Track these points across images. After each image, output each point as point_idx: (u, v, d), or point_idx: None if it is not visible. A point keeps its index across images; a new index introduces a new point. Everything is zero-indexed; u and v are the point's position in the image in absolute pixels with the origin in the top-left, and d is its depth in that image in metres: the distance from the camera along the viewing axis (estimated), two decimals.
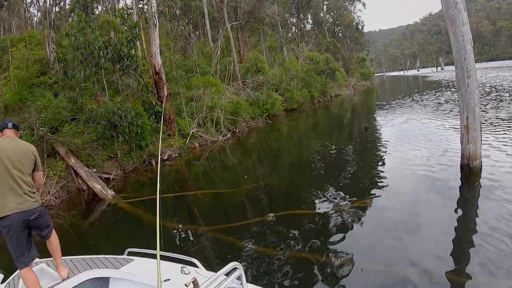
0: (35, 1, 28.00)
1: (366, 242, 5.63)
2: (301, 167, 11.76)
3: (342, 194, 7.85)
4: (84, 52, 12.30)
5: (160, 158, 14.42)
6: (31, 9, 29.38)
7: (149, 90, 15.02)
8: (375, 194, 7.65)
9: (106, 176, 12.36)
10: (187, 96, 19.80)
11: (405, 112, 19.98)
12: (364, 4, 66.28)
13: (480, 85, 31.60)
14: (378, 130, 15.82)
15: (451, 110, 18.22)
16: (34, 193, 3.66)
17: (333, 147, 14.35)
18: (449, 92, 28.83)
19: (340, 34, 64.40)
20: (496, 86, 28.19)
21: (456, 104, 19.46)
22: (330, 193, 7.99)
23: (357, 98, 41.85)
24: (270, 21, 38.63)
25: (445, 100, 22.48)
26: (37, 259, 4.01)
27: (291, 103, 29.08)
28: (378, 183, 8.37)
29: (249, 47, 34.21)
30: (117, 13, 14.68)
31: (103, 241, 7.61)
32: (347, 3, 64.47)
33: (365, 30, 66.34)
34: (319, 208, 7.29)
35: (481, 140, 8.06)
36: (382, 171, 9.37)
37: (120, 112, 12.50)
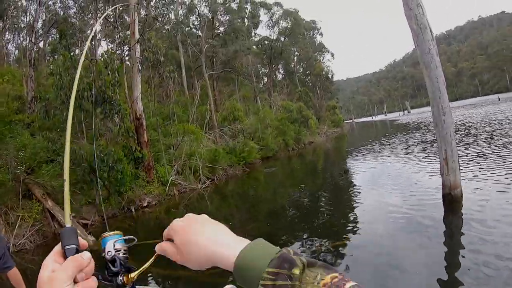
0: (14, 39, 27.55)
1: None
2: (277, 214, 11.46)
3: (318, 238, 7.80)
4: (68, 93, 12.05)
5: (140, 205, 14.27)
6: (9, 46, 28.88)
7: (129, 135, 14.74)
8: (359, 234, 7.64)
9: (83, 221, 11.81)
10: (165, 143, 19.58)
11: (376, 156, 20.21)
12: (332, 55, 68.67)
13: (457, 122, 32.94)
14: (353, 175, 15.81)
15: (422, 151, 18.60)
16: None
17: (308, 193, 14.21)
18: (417, 134, 29.53)
19: (310, 83, 66.01)
20: (465, 123, 29.63)
21: (425, 144, 20.74)
22: (306, 239, 7.92)
23: (329, 144, 42.27)
24: (244, 71, 39.46)
25: (415, 142, 22.91)
26: None
27: (266, 151, 29.08)
28: (359, 225, 8.29)
29: (225, 96, 34.62)
30: (100, 56, 14.57)
31: None
32: (316, 53, 66.56)
33: (334, 79, 68.20)
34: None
35: (460, 170, 8.56)
36: (361, 213, 9.29)
37: (102, 155, 12.13)
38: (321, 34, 64.43)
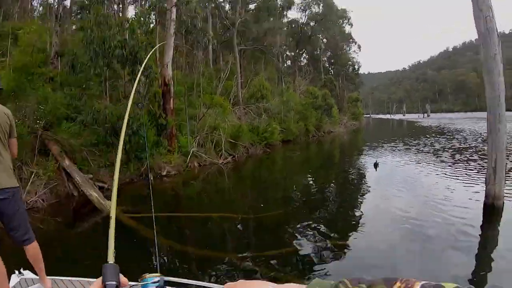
0: None
1: None
2: (288, 201, 11.01)
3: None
4: (98, 49, 11.27)
5: (159, 173, 13.59)
6: (34, 2, 28.16)
7: (156, 100, 13.99)
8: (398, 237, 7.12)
9: (100, 184, 11.12)
10: (189, 113, 18.88)
11: (401, 156, 19.35)
12: (359, 47, 66.64)
13: (477, 133, 31.92)
14: (381, 172, 14.96)
15: (450, 157, 17.84)
16: (11, 168, 3.03)
17: (331, 184, 14.00)
18: (442, 139, 28.40)
19: (333, 73, 64.63)
20: None
21: (452, 151, 20.06)
22: (314, 233, 7.47)
23: (348, 136, 41.79)
24: (273, 51, 38.53)
25: (441, 147, 21.95)
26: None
27: (287, 134, 28.37)
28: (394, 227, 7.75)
29: (250, 74, 33.55)
30: (135, 16, 13.69)
31: (96, 257, 6.42)
32: (343, 43, 65.03)
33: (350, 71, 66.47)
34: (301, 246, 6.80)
35: (505, 182, 8.52)
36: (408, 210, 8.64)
37: (128, 118, 11.41)
38: (350, 24, 62.39)
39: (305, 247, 6.64)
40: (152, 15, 13.56)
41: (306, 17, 51.58)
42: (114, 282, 0.85)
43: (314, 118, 35.43)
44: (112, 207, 1.10)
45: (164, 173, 14.00)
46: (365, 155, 21.39)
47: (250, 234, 8.01)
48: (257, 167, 19.13)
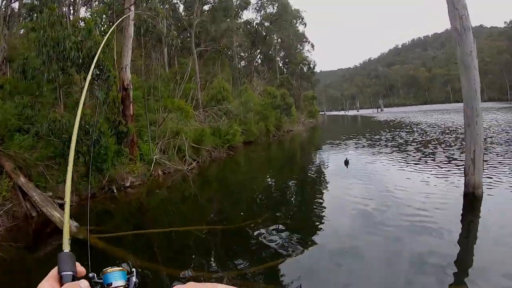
0: None
1: None
2: (254, 202, 11.28)
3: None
4: (51, 52, 10.25)
5: (122, 185, 12.76)
6: None
7: (115, 106, 13.06)
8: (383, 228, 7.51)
9: (60, 202, 10.18)
10: (149, 119, 17.98)
11: (368, 152, 19.41)
12: (312, 46, 67.24)
13: (435, 125, 32.85)
14: (354, 169, 14.83)
15: (416, 151, 18.01)
16: None
17: (295, 182, 14.26)
18: (403, 133, 28.84)
19: (285, 72, 64.84)
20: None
21: (417, 145, 20.34)
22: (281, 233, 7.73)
23: (307, 134, 42.06)
24: (230, 52, 38.07)
25: (404, 142, 22.23)
26: None
27: (248, 135, 27.97)
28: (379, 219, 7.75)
29: (210, 76, 32.77)
30: (90, 15, 12.70)
31: None
32: (297, 43, 65.39)
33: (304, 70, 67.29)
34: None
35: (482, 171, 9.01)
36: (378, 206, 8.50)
37: (87, 127, 10.47)
38: (304, 24, 62.88)
39: (279, 256, 6.49)
40: (109, 14, 12.55)
41: (261, 17, 51.28)
42: (70, 272, 0.79)
43: (274, 117, 35.24)
44: (66, 191, 1.06)
45: (128, 184, 13.18)
46: (331, 152, 21.31)
47: (218, 246, 7.66)
48: (222, 170, 18.72)
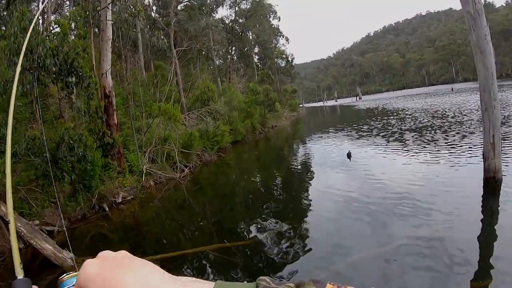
0: None
1: None
2: (251, 202, 11.45)
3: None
4: (24, 60, 9.05)
5: (114, 201, 11.67)
6: None
7: (98, 116, 11.89)
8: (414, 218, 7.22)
9: (48, 228, 9.11)
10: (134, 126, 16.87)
11: (364, 142, 18.80)
12: (287, 39, 67.28)
13: (422, 110, 32.39)
14: (358, 161, 14.22)
15: (415, 139, 17.30)
16: None
17: (296, 181, 13.71)
18: (393, 121, 28.02)
19: (261, 67, 64.32)
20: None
21: (413, 133, 19.60)
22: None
23: (292, 128, 41.43)
24: (207, 52, 37.15)
25: (398, 130, 21.42)
26: None
27: (235, 135, 27.04)
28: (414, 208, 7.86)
29: (192, 77, 31.58)
30: (64, 18, 11.48)
31: None
32: (273, 37, 64.79)
33: (282, 64, 66.92)
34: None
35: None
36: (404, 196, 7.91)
37: (71, 142, 9.34)
38: (278, 18, 62.50)
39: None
40: (83, 16, 11.35)
41: (236, 13, 50.39)
42: None
43: (258, 114, 34.39)
44: (8, 208, 1.02)
45: (120, 200, 12.08)
46: (325, 146, 20.56)
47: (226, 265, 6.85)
48: (215, 174, 17.66)
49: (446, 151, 13.14)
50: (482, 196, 8.22)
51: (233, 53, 54.71)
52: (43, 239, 7.50)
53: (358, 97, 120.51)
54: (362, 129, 25.22)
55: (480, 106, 9.14)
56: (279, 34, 66.40)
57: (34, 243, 7.32)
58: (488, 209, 7.49)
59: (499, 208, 7.40)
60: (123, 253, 0.66)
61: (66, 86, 10.57)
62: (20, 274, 0.79)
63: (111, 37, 13.05)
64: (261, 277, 0.56)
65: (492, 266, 5.19)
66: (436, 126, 20.41)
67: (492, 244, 5.98)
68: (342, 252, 6.40)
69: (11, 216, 0.92)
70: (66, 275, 0.76)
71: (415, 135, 18.36)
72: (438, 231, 6.54)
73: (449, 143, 14.53)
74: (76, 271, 0.72)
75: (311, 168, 15.04)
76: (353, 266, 5.86)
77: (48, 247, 7.22)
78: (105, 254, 0.64)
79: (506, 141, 12.75)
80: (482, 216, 7.11)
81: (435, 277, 5.06)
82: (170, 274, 0.61)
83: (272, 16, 60.51)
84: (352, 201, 9.19)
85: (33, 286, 0.75)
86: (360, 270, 5.75)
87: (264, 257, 6.79)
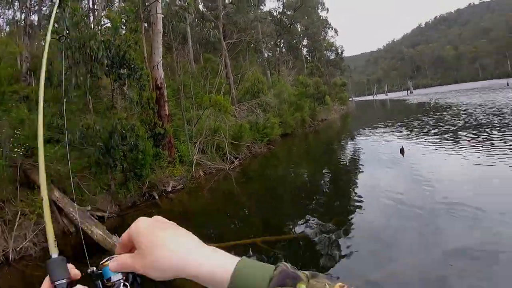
0: (5, 13, 24.41)
1: None
2: (300, 197, 11.16)
3: None
4: (77, 54, 9.30)
5: (164, 190, 11.81)
6: None
7: (150, 107, 12.08)
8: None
9: (99, 214, 9.33)
10: (182, 118, 17.09)
11: (418, 138, 17.94)
12: (336, 31, 65.61)
13: (477, 106, 30.46)
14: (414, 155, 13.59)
15: (473, 135, 16.10)
16: None
17: (347, 175, 13.40)
18: (447, 117, 26.28)
19: (310, 59, 63.44)
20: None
21: (470, 129, 18.28)
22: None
23: (341, 122, 40.92)
24: (256, 45, 37.10)
25: (458, 127, 20.01)
26: None
27: (285, 127, 26.77)
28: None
29: (242, 69, 31.71)
30: (116, 11, 11.76)
31: None
32: (321, 29, 63.69)
33: (332, 57, 65.64)
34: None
35: None
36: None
37: (123, 132, 9.52)
38: (326, 10, 61.29)
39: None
40: (134, 10, 11.56)
41: (284, 5, 49.88)
42: (64, 280, 0.71)
43: (308, 107, 33.78)
44: (42, 186, 0.90)
45: (169, 189, 12.24)
46: (376, 141, 19.91)
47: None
48: (264, 167, 17.61)
49: (504, 151, 12.09)
50: None
51: (281, 45, 54.26)
52: (93, 224, 7.67)
53: (409, 91, 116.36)
54: (414, 125, 23.95)
55: None
56: (328, 26, 65.02)
57: (85, 228, 7.49)
58: None
59: None
60: (173, 222, 0.71)
61: (119, 78, 10.76)
62: (54, 252, 0.77)
63: (162, 30, 13.18)
64: (281, 262, 0.61)
65: None
66: (493, 123, 19.01)
67: None
68: (385, 257, 6.10)
69: (44, 193, 0.85)
70: (108, 260, 0.74)
71: (470, 132, 17.07)
72: (494, 240, 6.00)
73: (506, 142, 13.43)
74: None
75: (360, 164, 14.55)
76: (394, 273, 5.58)
77: (97, 231, 7.36)
78: (158, 217, 0.70)
79: None
80: None
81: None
82: (204, 244, 0.67)
83: (320, 7, 59.69)
84: (400, 202, 8.65)
85: (68, 264, 0.74)
86: (400, 278, 5.47)
87: (308, 252, 6.73)
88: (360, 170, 13.40)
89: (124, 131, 9.62)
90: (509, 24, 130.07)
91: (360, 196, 9.66)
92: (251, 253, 6.88)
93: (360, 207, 8.83)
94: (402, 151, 14.10)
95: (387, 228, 7.32)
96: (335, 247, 6.69)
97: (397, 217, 7.80)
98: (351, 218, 8.07)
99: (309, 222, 8.15)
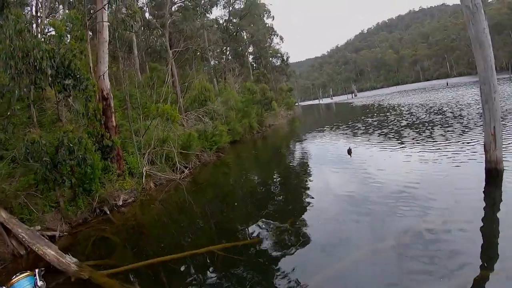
0: None
1: None
2: (250, 202, 11.42)
3: None
4: (20, 64, 8.85)
5: (115, 204, 11.53)
6: None
7: (96, 119, 11.75)
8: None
9: (49, 233, 8.96)
10: (129, 129, 16.72)
11: (363, 138, 18.69)
12: (281, 38, 67.08)
13: (419, 105, 32.31)
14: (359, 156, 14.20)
15: (416, 133, 17.11)
16: None
17: (299, 178, 13.64)
18: (392, 117, 27.77)
19: (256, 66, 64.29)
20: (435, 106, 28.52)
21: (412, 127, 19.47)
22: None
23: (289, 127, 41.48)
24: (203, 53, 37.08)
25: (401, 126, 21.18)
26: None
27: (233, 134, 26.89)
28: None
29: (188, 77, 31.48)
30: (60, 19, 11.31)
31: None
32: (267, 37, 64.73)
33: (277, 63, 67.03)
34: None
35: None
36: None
37: (70, 145, 9.19)
38: (272, 17, 62.56)
39: None
40: (79, 18, 11.16)
41: (229, 13, 50.26)
42: None
43: (255, 113, 34.18)
44: None
45: (121, 203, 11.96)
46: (324, 143, 20.51)
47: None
48: (214, 175, 17.57)
49: (446, 146, 13.04)
50: (484, 187, 8.39)
51: (228, 53, 54.58)
52: (45, 244, 7.36)
53: (353, 94, 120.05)
54: (359, 126, 24.95)
55: (479, 99, 9.33)
56: (273, 33, 66.26)
57: (37, 249, 7.18)
58: (491, 199, 7.73)
59: (502, 197, 7.64)
60: None
61: (64, 89, 10.38)
62: None
63: (108, 38, 12.88)
64: None
65: (496, 253, 5.45)
66: (434, 121, 20.27)
67: (496, 232, 6.19)
68: (341, 251, 6.41)
69: None
70: (18, 276, 0.73)
71: (413, 131, 18.16)
72: (443, 223, 6.70)
73: (448, 138, 14.43)
74: (28, 272, 0.72)
75: (309, 166, 14.99)
76: (352, 263, 5.93)
77: (51, 252, 7.08)
78: None
79: (504, 135, 12.74)
80: (485, 206, 7.31)
81: (440, 269, 5.20)
82: None
83: (266, 15, 60.41)
84: (351, 199, 9.12)
85: None
86: (359, 268, 5.79)
87: (265, 256, 6.79)
88: (310, 172, 13.78)
89: (71, 145, 9.28)
90: (448, 29, 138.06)
91: (312, 197, 10.03)
92: (209, 262, 6.93)
93: (312, 206, 9.23)
94: (349, 151, 14.68)
95: (340, 225, 7.62)
96: (291, 247, 6.86)
97: (348, 214, 8.15)
98: (305, 219, 8.36)
99: (264, 226, 8.32)
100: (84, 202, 10.78)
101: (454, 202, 7.66)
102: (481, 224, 6.51)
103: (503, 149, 9.55)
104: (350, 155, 14.48)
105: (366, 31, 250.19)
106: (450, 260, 5.37)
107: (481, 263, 5.27)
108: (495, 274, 4.92)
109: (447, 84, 70.00)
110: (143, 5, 32.83)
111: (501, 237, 5.95)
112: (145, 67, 32.24)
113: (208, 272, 6.58)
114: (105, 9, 12.41)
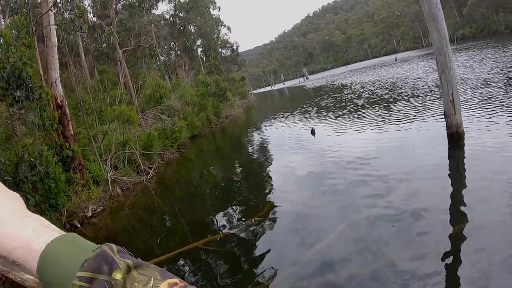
0: None
1: None
2: (218, 194, 11.61)
3: None
4: None
5: (84, 215, 11.10)
6: None
7: (53, 129, 11.17)
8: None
9: None
10: (86, 136, 16.12)
11: (324, 119, 19.03)
12: (229, 28, 67.10)
13: (371, 82, 33.19)
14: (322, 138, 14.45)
15: (372, 108, 17.31)
16: None
17: (266, 164, 13.84)
18: (347, 95, 28.61)
19: (204, 59, 63.83)
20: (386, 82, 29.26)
21: (369, 103, 20.24)
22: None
23: (246, 116, 41.90)
24: (152, 50, 36.28)
25: (354, 103, 21.76)
26: None
27: (192, 129, 26.60)
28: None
29: (139, 77, 30.66)
30: (6, 27, 10.58)
31: None
32: (215, 28, 64.21)
33: (227, 53, 66.94)
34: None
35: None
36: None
37: (32, 160, 8.69)
38: (218, 8, 61.92)
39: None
40: (24, 24, 10.46)
41: (174, 8, 49.28)
42: None
43: (211, 106, 34.03)
44: None
45: (90, 214, 11.50)
46: (284, 127, 20.80)
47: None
48: (179, 172, 17.52)
49: (407, 118, 13.65)
50: (449, 150, 9.13)
51: (176, 48, 53.63)
52: (21, 270, 6.92)
53: (305, 77, 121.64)
54: (316, 109, 25.44)
55: (431, 70, 10.35)
56: (221, 24, 65.90)
57: (13, 276, 6.74)
58: (454, 159, 8.51)
59: (465, 156, 8.45)
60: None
61: (16, 101, 9.78)
62: None
63: (56, 43, 12.23)
64: (109, 244, 0.52)
65: (465, 206, 5.89)
66: (390, 96, 20.90)
67: (463, 188, 6.73)
68: (313, 235, 6.48)
69: None
70: None
71: (370, 107, 18.73)
72: (412, 187, 7.18)
73: (408, 111, 14.97)
74: None
75: (270, 152, 15.31)
76: (323, 251, 5.95)
77: (28, 277, 6.66)
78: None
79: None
80: (450, 166, 8.02)
81: (415, 230, 5.51)
82: (27, 211, 0.58)
83: (212, 6, 59.94)
84: (319, 179, 9.51)
85: None
86: (334, 245, 5.95)
87: (240, 246, 6.88)
88: (275, 157, 14.07)
89: (32, 159, 8.80)
90: (392, 6, 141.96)
91: (280, 182, 10.37)
92: (188, 261, 6.89)
93: (282, 191, 9.45)
94: (313, 132, 14.88)
95: (310, 207, 7.84)
96: (266, 235, 6.94)
97: (318, 194, 8.45)
98: (276, 205, 8.45)
99: (235, 217, 8.50)
100: (52, 218, 10.27)
101: (421, 166, 8.20)
102: (449, 181, 7.06)
103: (463, 112, 10.19)
104: (314, 135, 14.63)
105: (312, 15, 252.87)
106: (424, 221, 5.67)
107: (452, 218, 5.65)
108: (467, 228, 5.24)
109: (396, 59, 72.08)
110: (87, 6, 31.60)
111: (467, 191, 6.47)
112: (93, 71, 31.14)
113: (191, 269, 6.59)
114: (52, 10, 11.74)
